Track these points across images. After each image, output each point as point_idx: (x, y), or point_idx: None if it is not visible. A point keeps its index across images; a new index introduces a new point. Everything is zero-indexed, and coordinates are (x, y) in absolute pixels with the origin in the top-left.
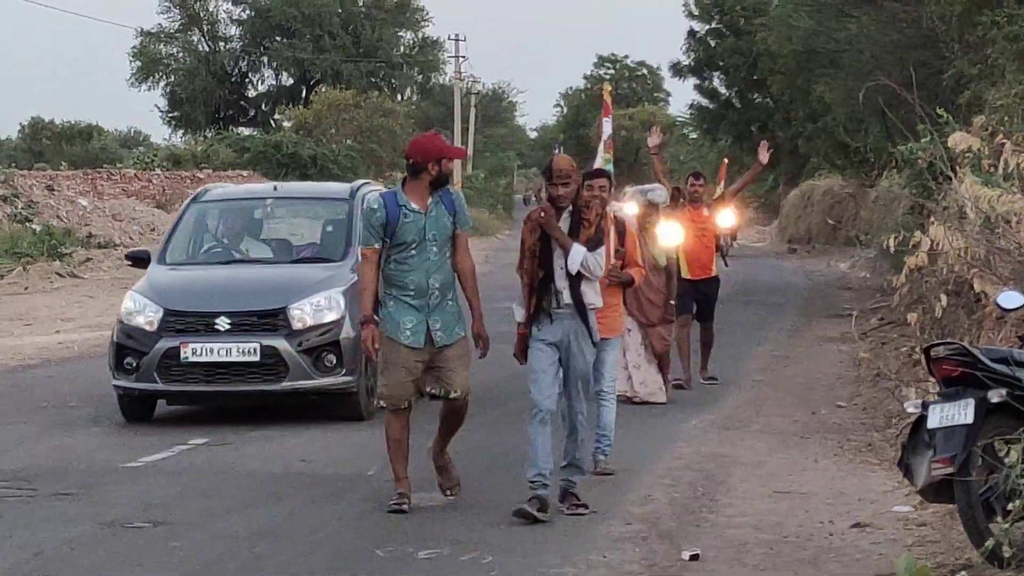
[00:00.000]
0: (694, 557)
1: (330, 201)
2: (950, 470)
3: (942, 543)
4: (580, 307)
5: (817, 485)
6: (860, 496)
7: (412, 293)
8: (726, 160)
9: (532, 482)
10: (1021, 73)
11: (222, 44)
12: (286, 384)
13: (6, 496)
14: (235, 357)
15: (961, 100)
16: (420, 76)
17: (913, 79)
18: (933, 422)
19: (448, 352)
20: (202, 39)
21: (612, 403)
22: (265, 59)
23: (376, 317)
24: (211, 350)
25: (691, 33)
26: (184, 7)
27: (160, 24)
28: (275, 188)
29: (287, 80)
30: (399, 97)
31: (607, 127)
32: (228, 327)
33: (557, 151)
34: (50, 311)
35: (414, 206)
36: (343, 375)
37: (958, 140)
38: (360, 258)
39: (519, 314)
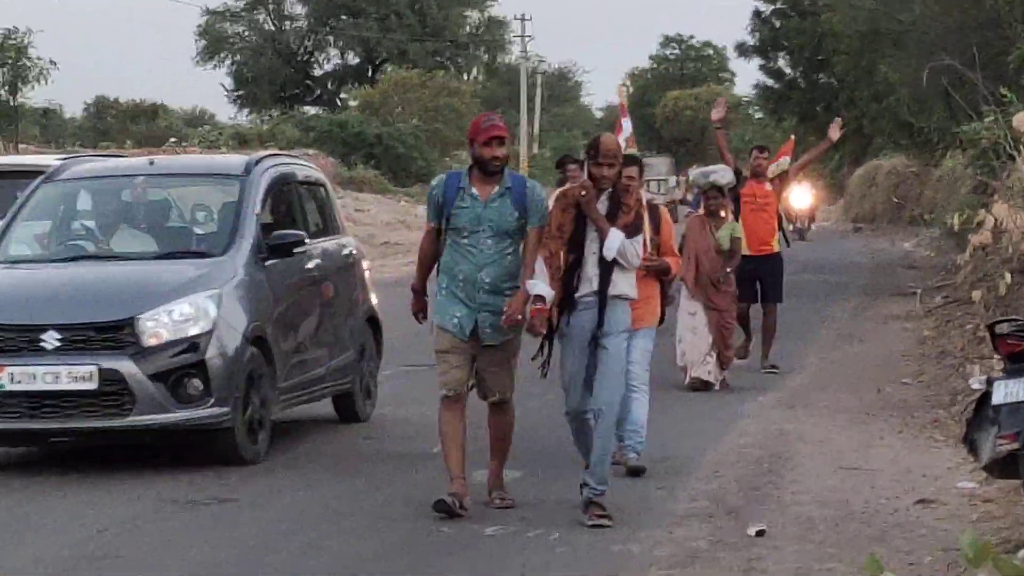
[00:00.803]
0: (760, 533)
1: (219, 179)
2: (1015, 446)
3: (1007, 519)
4: (602, 298)
5: (882, 462)
6: (925, 472)
7: (460, 284)
8: (793, 136)
9: (588, 479)
10: None
11: (288, 23)
12: (133, 419)
13: (71, 475)
14: (65, 384)
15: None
16: (486, 56)
17: (976, 60)
18: (998, 398)
19: (494, 353)
20: (268, 18)
21: (644, 396)
22: (331, 38)
23: (425, 297)
24: (34, 375)
25: (756, 13)
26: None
27: (226, 3)
28: (151, 163)
29: (353, 59)
30: (465, 77)
31: (627, 125)
32: (58, 345)
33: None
34: None
35: (474, 191)
36: (211, 406)
37: (1022, 120)
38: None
39: (540, 289)
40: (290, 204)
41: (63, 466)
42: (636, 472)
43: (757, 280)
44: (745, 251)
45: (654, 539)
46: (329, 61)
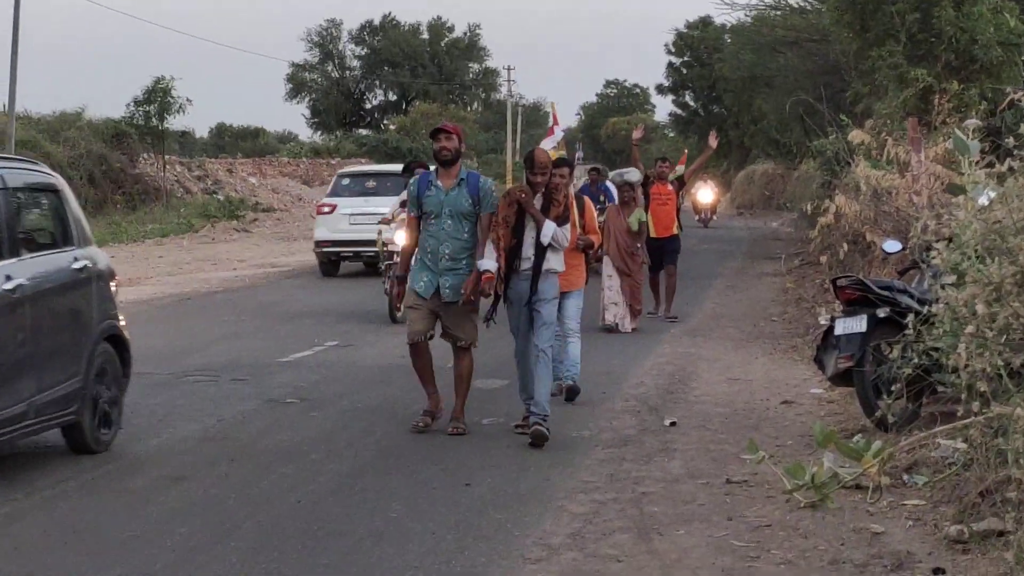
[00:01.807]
0: (673, 424)
1: None
2: (850, 364)
3: (844, 415)
4: (536, 272)
5: (757, 374)
6: (787, 382)
7: (429, 256)
8: (686, 151)
9: (528, 403)
10: (897, 91)
11: (348, 72)
12: None
13: (199, 380)
14: None
15: (856, 110)
16: (483, 94)
17: (823, 95)
18: (838, 330)
19: (455, 308)
20: (334, 68)
21: (577, 340)
22: (377, 82)
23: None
24: None
25: (669, 64)
26: (322, 47)
27: (306, 58)
28: None
29: (392, 96)
30: (468, 109)
31: (557, 132)
32: None
33: (578, 147)
34: (228, 255)
35: (439, 183)
36: None
37: (854, 136)
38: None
39: (487, 264)
40: None
41: None
42: (572, 391)
43: (662, 255)
44: (653, 234)
45: (599, 427)
46: (376, 98)
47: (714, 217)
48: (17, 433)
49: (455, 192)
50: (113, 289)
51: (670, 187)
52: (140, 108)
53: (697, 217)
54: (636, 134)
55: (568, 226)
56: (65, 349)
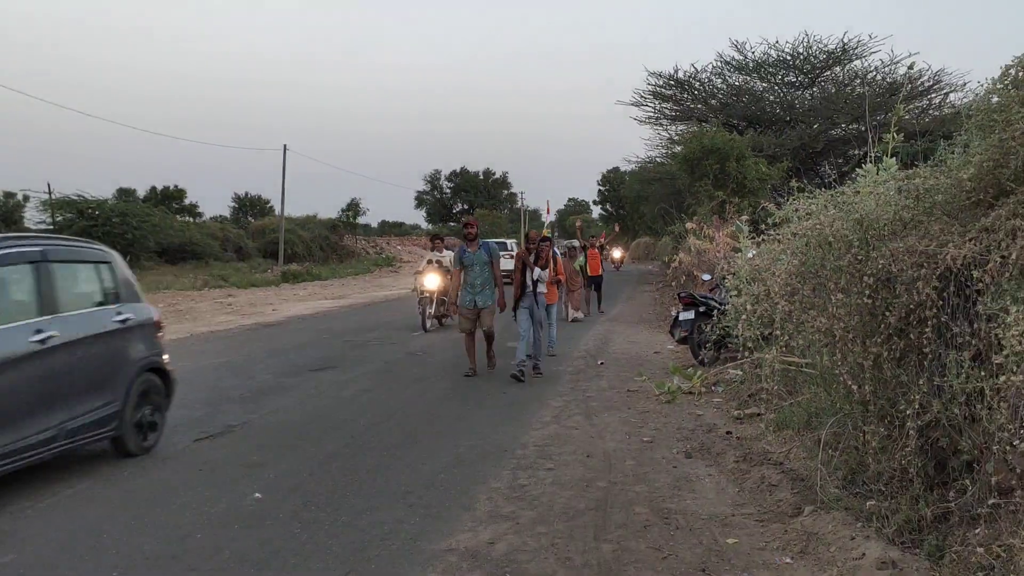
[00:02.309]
0: (602, 363)
1: None
2: (686, 334)
3: (683, 358)
4: (535, 294)
5: (643, 339)
6: (656, 343)
7: (469, 287)
8: (604, 232)
9: (520, 362)
10: (708, 203)
11: (444, 194)
12: None
13: (371, 343)
14: None
15: (689, 213)
16: (509, 205)
17: (672, 205)
18: (681, 318)
19: (483, 311)
20: (438, 192)
21: (555, 328)
22: (457, 199)
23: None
24: None
25: (599, 190)
26: (432, 182)
27: (423, 188)
28: None
29: (465, 206)
30: (501, 212)
31: (551, 217)
32: None
33: (554, 231)
34: (386, 284)
35: (468, 250)
36: None
37: (689, 226)
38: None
39: (500, 299)
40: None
41: None
42: (552, 355)
43: (594, 283)
44: (590, 273)
45: (566, 366)
46: (457, 206)
47: (622, 265)
48: (48, 453)
49: (479, 253)
50: (159, 334)
51: (596, 250)
52: (344, 212)
53: (613, 265)
54: (578, 223)
55: (548, 270)
56: (103, 382)
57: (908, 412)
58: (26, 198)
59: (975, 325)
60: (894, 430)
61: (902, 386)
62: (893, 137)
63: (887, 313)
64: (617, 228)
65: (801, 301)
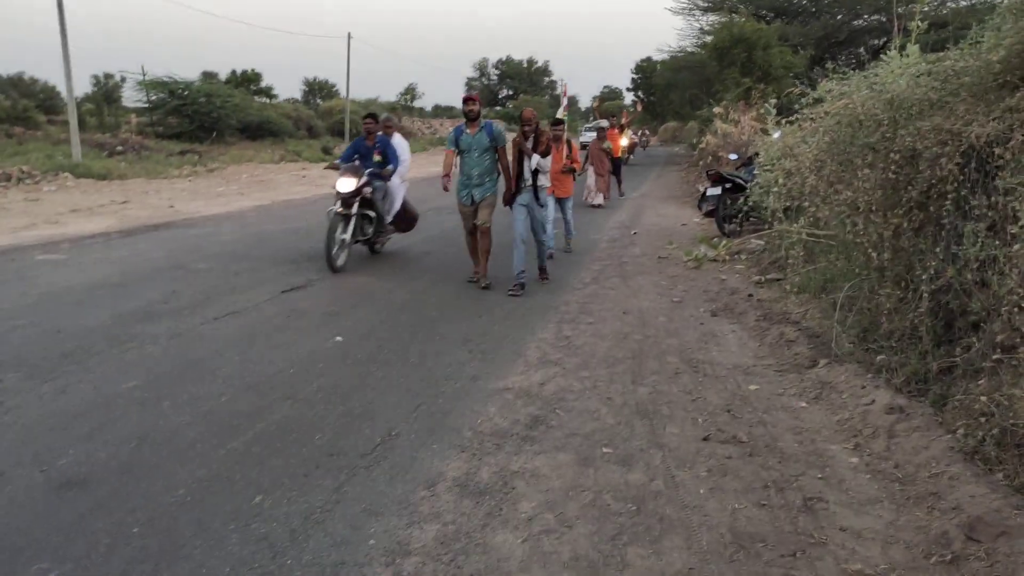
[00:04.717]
0: (635, 233)
1: None
2: (713, 208)
3: (710, 230)
4: (535, 188)
5: (671, 212)
6: (684, 216)
7: (465, 177)
8: (624, 111)
9: (517, 275)
10: (735, 89)
11: (490, 80)
12: None
13: (428, 214)
14: None
15: (716, 99)
16: (548, 93)
17: (704, 90)
18: (708, 193)
19: (480, 204)
20: (486, 79)
21: (572, 217)
22: (503, 86)
23: (447, 178)
24: None
25: (633, 79)
26: (481, 68)
27: (471, 75)
28: None
29: (510, 92)
30: (542, 98)
31: (566, 102)
32: None
33: (565, 112)
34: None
35: (468, 130)
36: None
37: (716, 110)
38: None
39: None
40: None
41: None
42: (568, 251)
43: (614, 165)
44: (613, 156)
45: (602, 236)
46: (503, 92)
47: (631, 156)
48: None
49: (479, 135)
50: None
51: (617, 131)
52: (402, 96)
53: (623, 153)
54: (595, 102)
55: (549, 158)
56: None
57: (924, 277)
58: (123, 79)
59: (992, 199)
60: (908, 293)
61: (919, 253)
62: (917, 26)
63: (909, 187)
64: (639, 107)
65: (828, 176)
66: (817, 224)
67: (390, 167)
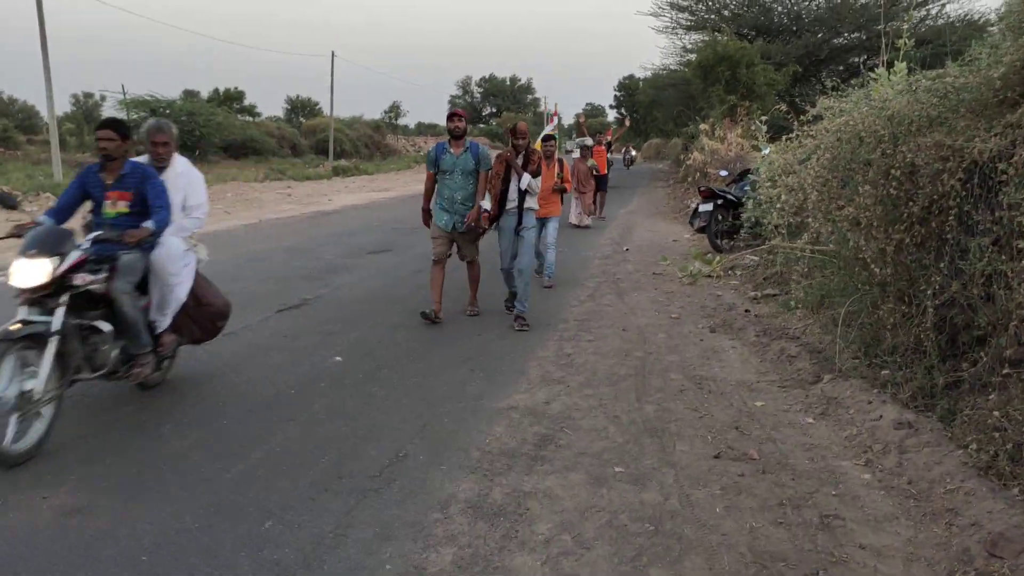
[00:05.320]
0: (627, 249)
1: None
2: (704, 224)
3: (702, 246)
4: (520, 210)
5: (662, 229)
6: (675, 232)
7: (446, 202)
8: (610, 129)
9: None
10: (720, 107)
11: (473, 98)
12: None
13: (418, 230)
14: None
15: (701, 116)
16: (532, 111)
17: (688, 108)
18: (700, 209)
19: (465, 236)
20: (468, 96)
21: (554, 250)
22: (487, 103)
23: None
24: None
25: (616, 96)
26: (464, 87)
27: (455, 93)
28: None
29: (494, 109)
30: (526, 115)
31: (556, 120)
32: None
33: (555, 130)
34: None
35: (451, 150)
36: None
37: (701, 129)
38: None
39: (486, 204)
40: None
41: None
42: (548, 287)
43: (599, 184)
44: (596, 173)
45: (594, 252)
46: (487, 110)
47: (635, 161)
48: None
49: (463, 156)
50: None
51: (604, 147)
52: (386, 114)
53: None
54: (581, 118)
55: (539, 178)
56: None
57: (928, 291)
58: (103, 97)
59: (996, 214)
60: (911, 308)
61: (922, 268)
62: (904, 43)
63: (911, 203)
64: (627, 123)
65: (829, 192)
66: (817, 240)
67: (148, 223)
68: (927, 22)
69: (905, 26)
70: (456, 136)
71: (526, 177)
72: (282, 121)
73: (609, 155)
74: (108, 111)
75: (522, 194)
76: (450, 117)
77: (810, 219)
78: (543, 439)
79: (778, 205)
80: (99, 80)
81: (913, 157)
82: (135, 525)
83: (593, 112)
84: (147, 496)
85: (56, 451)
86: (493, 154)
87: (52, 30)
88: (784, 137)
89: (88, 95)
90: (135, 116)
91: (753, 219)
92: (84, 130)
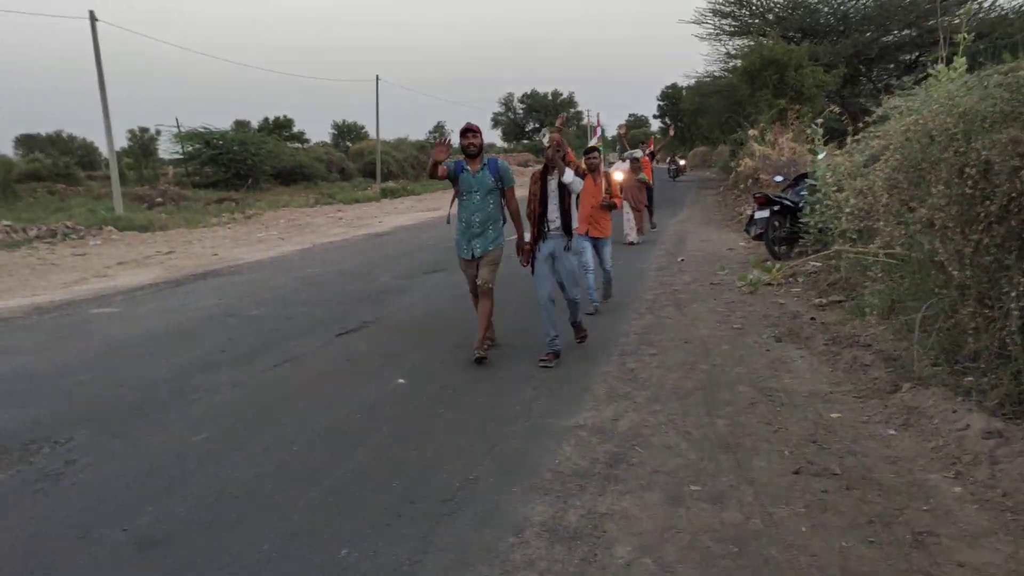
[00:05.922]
0: (682, 260)
1: None
2: (761, 231)
3: (759, 253)
4: (567, 228)
5: (715, 238)
6: (731, 242)
7: (464, 224)
8: (651, 139)
9: (549, 341)
10: (768, 112)
11: (516, 114)
12: None
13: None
14: None
15: (750, 121)
16: (575, 124)
17: (738, 114)
18: (756, 216)
19: (482, 259)
20: (511, 112)
21: (611, 270)
22: (529, 119)
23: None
24: None
25: (660, 106)
26: (506, 104)
27: (498, 110)
28: None
29: (536, 124)
30: (570, 130)
31: (600, 132)
32: None
33: (619, 144)
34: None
35: (468, 168)
36: None
37: (751, 133)
38: None
39: (527, 236)
40: None
41: None
42: (592, 313)
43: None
44: (648, 183)
45: (650, 264)
46: (529, 126)
47: (683, 171)
48: None
49: (481, 174)
50: None
51: (648, 158)
52: (431, 134)
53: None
54: (621, 129)
55: (582, 180)
56: None
57: (1011, 294)
58: (158, 132)
59: None
60: (993, 311)
61: (1003, 269)
62: (964, 37)
63: (987, 202)
64: (671, 132)
65: (900, 194)
66: (889, 243)
67: None
68: (979, 15)
69: (962, 21)
70: (471, 154)
71: (568, 172)
72: (329, 146)
73: (620, 172)
74: (164, 144)
75: (566, 212)
76: (463, 133)
77: (880, 222)
78: (614, 458)
79: (847, 210)
80: (152, 115)
81: (988, 154)
82: (215, 556)
83: (636, 123)
84: (224, 526)
85: (132, 483)
86: (518, 170)
87: (108, 67)
88: (849, 139)
89: (144, 129)
90: (190, 148)
91: (819, 225)
92: (142, 164)
